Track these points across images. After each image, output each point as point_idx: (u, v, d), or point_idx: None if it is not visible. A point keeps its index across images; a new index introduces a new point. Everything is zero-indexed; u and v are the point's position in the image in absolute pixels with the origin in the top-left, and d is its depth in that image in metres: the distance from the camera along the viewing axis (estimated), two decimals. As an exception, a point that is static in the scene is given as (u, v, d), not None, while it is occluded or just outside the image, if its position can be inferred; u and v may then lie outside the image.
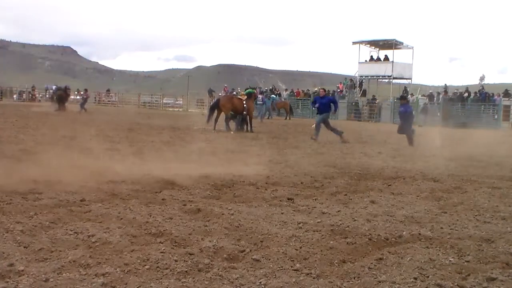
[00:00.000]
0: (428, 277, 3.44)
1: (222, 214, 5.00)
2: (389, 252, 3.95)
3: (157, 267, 3.45)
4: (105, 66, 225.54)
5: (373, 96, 36.76)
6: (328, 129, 15.34)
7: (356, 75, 38.85)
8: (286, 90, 43.45)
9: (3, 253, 3.54)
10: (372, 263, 3.68)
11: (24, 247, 3.72)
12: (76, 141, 11.29)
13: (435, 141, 15.58)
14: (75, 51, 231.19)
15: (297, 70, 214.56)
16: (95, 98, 47.08)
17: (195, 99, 47.16)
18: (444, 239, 4.38)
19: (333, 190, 6.70)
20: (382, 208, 5.66)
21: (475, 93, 32.21)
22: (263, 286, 3.22)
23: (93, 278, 3.18)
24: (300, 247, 4.04)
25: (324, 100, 15.86)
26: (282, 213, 5.22)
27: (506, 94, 31.53)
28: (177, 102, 48.26)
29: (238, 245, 4.04)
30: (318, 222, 4.88)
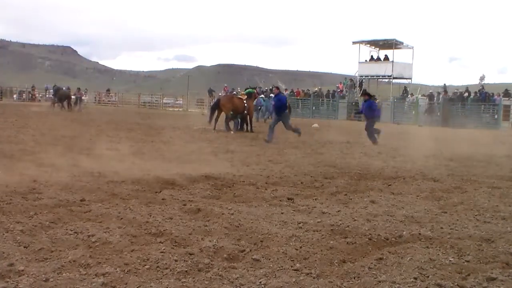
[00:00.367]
0: (428, 277, 3.44)
1: (222, 214, 5.00)
2: (389, 252, 3.96)
3: (157, 267, 3.45)
4: (105, 66, 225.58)
5: (373, 96, 36.71)
6: (287, 129, 14.63)
7: (356, 75, 38.86)
8: (286, 90, 43.42)
9: (3, 253, 3.54)
10: (372, 263, 3.68)
11: (24, 247, 3.72)
12: (76, 141, 11.30)
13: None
14: (75, 51, 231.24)
15: (297, 70, 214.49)
16: (95, 98, 47.09)
17: (195, 99, 47.18)
18: (444, 239, 4.38)
19: (333, 190, 6.70)
20: (382, 208, 5.66)
21: (475, 93, 32.19)
22: (263, 286, 3.22)
23: (93, 278, 3.18)
24: (300, 247, 4.04)
25: (276, 99, 15.13)
26: (282, 213, 5.22)
27: (506, 94, 31.51)
28: (177, 102, 48.27)
29: (238, 245, 4.04)
30: (318, 222, 4.88)
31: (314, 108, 37.06)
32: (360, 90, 37.70)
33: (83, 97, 32.24)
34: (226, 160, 9.42)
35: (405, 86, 37.93)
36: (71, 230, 4.18)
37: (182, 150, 10.60)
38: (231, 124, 17.73)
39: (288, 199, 5.99)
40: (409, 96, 34.77)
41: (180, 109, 42.76)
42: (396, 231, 4.61)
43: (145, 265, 3.45)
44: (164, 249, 3.79)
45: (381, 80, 40.81)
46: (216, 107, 17.98)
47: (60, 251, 3.69)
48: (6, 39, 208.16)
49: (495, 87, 43.47)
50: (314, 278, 3.38)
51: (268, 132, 14.11)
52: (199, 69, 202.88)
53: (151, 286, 3.14)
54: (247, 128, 17.91)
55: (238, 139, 14.37)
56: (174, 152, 10.19)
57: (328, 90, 40.79)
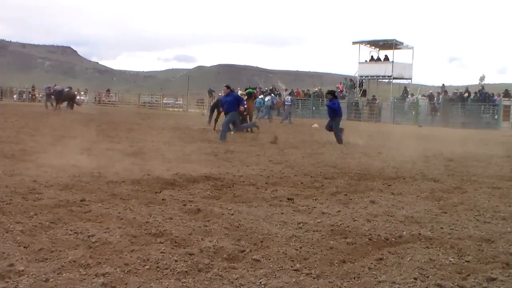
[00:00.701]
0: (428, 277, 3.44)
1: (222, 214, 5.00)
2: (389, 252, 3.96)
3: (157, 267, 3.45)
4: (105, 66, 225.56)
5: (373, 96, 36.77)
6: (237, 130, 14.25)
7: (356, 75, 38.86)
8: (286, 90, 43.43)
9: (3, 253, 3.53)
10: (372, 263, 3.68)
11: (24, 247, 3.72)
12: (76, 141, 11.30)
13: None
14: (75, 51, 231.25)
15: (297, 70, 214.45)
16: (95, 98, 47.10)
17: (195, 99, 47.20)
18: (444, 239, 4.39)
19: (333, 190, 6.70)
20: (382, 208, 5.66)
21: (475, 93, 32.20)
22: (263, 286, 3.22)
23: (93, 278, 3.18)
24: (300, 247, 4.04)
25: (228, 98, 14.72)
26: (282, 213, 5.22)
27: (506, 94, 31.52)
28: (177, 102, 48.29)
29: (238, 245, 4.04)
30: (318, 222, 4.88)
31: (314, 108, 37.07)
32: (360, 91, 37.81)
33: (79, 97, 31.80)
34: (226, 160, 9.42)
35: (405, 86, 37.94)
36: (71, 230, 4.18)
37: (182, 150, 10.60)
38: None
39: (288, 199, 5.99)
40: (409, 96, 34.77)
41: (180, 109, 42.78)
42: (396, 231, 4.61)
43: (145, 265, 3.45)
44: (164, 249, 3.79)
45: (381, 80, 40.79)
46: (216, 107, 17.98)
47: (60, 251, 3.69)
48: (6, 39, 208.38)
49: (495, 87, 43.52)
50: (314, 278, 3.38)
51: (223, 131, 13.77)
52: (199, 69, 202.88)
53: (151, 286, 3.14)
54: (247, 128, 17.90)
55: (238, 139, 14.37)
56: (174, 152, 10.19)
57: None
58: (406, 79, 38.24)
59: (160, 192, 6.10)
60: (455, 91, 34.04)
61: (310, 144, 13.69)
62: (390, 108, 33.83)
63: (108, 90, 54.93)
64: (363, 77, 38.41)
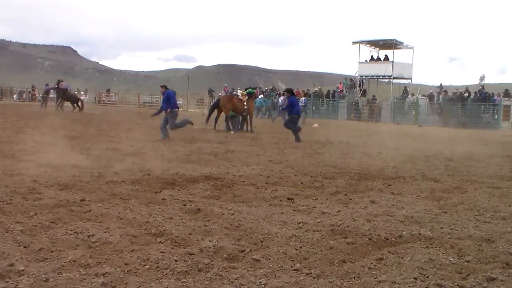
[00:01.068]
0: (428, 277, 3.44)
1: (222, 214, 5.00)
2: (389, 252, 3.96)
3: (157, 267, 3.45)
4: (105, 66, 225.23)
5: (373, 96, 36.76)
6: (170, 128, 13.57)
7: (356, 75, 38.84)
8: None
9: (3, 253, 3.54)
10: (372, 263, 3.68)
11: (24, 247, 3.72)
12: (76, 141, 11.30)
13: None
14: (75, 51, 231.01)
15: (297, 70, 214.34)
16: (95, 98, 47.09)
17: (195, 99, 47.18)
18: (444, 239, 4.39)
19: (333, 190, 6.70)
20: (382, 208, 5.66)
21: (475, 93, 32.18)
22: (263, 286, 3.22)
23: (93, 278, 3.18)
24: (300, 247, 4.04)
25: (165, 98, 14.09)
26: (282, 213, 5.22)
27: (506, 94, 31.51)
28: (177, 102, 48.23)
29: (238, 245, 4.04)
30: (318, 222, 4.88)
31: (314, 108, 37.04)
32: (361, 90, 37.80)
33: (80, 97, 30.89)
34: (226, 160, 9.42)
35: (405, 86, 37.92)
36: (71, 230, 4.18)
37: (182, 150, 10.60)
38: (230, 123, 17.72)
39: (288, 199, 5.99)
40: (409, 96, 34.76)
41: (180, 109, 42.74)
42: (396, 231, 4.61)
43: (145, 265, 3.46)
44: (164, 249, 3.79)
45: (381, 80, 40.78)
46: (216, 107, 17.99)
47: (60, 251, 3.69)
48: (6, 39, 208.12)
49: (495, 87, 43.49)
50: (314, 278, 3.38)
51: (162, 130, 13.36)
52: (199, 69, 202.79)
53: (151, 286, 3.14)
54: (247, 128, 17.91)
55: (238, 139, 14.37)
56: (174, 152, 10.19)
57: (328, 90, 40.78)
58: (406, 79, 38.22)
59: (160, 192, 6.10)
60: (455, 91, 34.02)
61: (310, 144, 13.68)
62: (390, 108, 33.80)
63: (108, 90, 54.90)
64: (363, 77, 38.39)
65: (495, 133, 23.91)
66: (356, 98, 37.15)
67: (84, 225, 4.33)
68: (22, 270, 3.24)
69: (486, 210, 5.75)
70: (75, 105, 26.99)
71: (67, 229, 4.21)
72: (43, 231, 4.16)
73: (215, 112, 18.03)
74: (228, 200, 5.82)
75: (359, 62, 38.36)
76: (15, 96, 45.99)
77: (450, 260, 3.80)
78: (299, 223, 4.80)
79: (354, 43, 38.74)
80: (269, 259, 3.70)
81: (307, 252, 3.91)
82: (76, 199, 5.39)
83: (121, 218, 4.67)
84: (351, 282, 3.34)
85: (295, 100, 15.77)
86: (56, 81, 28.41)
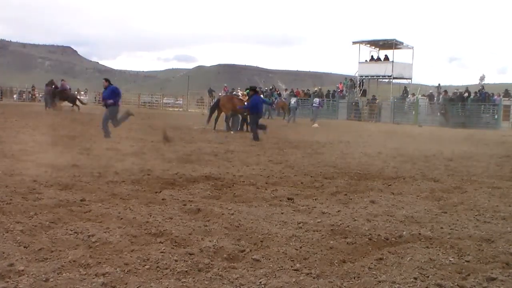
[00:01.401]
0: (428, 277, 3.44)
1: (222, 214, 5.00)
2: (389, 252, 3.96)
3: (157, 267, 3.45)
4: (105, 66, 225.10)
5: (373, 96, 36.77)
6: (114, 126, 13.09)
7: (356, 75, 38.84)
8: (286, 90, 43.43)
9: (3, 253, 3.54)
10: (372, 263, 3.68)
11: (24, 247, 3.72)
12: (76, 141, 11.30)
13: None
14: (75, 51, 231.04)
15: (297, 70, 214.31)
16: (95, 98, 47.07)
17: (195, 99, 47.19)
18: (444, 239, 4.39)
19: (333, 190, 6.70)
20: (382, 208, 5.66)
21: (475, 93, 32.19)
22: (263, 286, 3.22)
23: (93, 278, 3.18)
24: (300, 247, 4.04)
25: (106, 92, 13.42)
26: (282, 213, 5.22)
27: (506, 94, 31.52)
28: (177, 102, 48.23)
29: (238, 245, 4.04)
30: (318, 222, 4.88)
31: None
32: (361, 90, 37.80)
33: (79, 97, 30.63)
34: (226, 160, 9.42)
35: (405, 86, 37.93)
36: (71, 230, 4.18)
37: (182, 150, 10.60)
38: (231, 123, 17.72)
39: (288, 199, 5.99)
40: (409, 96, 34.76)
41: (180, 109, 42.77)
42: (396, 231, 4.61)
43: (145, 265, 3.46)
44: (164, 249, 3.79)
45: (381, 80, 40.78)
46: (216, 107, 17.99)
47: (60, 251, 3.69)
48: (6, 39, 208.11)
49: (495, 87, 43.50)
50: (314, 278, 3.38)
51: (104, 128, 12.89)
52: (199, 69, 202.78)
53: (151, 286, 3.14)
54: (247, 128, 17.91)
55: (238, 139, 14.37)
56: (174, 152, 10.19)
57: (328, 90, 40.81)
58: (406, 79, 38.22)
59: (160, 192, 6.10)
60: (455, 91, 34.02)
61: (310, 144, 13.68)
62: (390, 108, 33.81)
63: (108, 90, 54.82)
64: (363, 77, 38.39)
65: (495, 133, 23.90)
66: (356, 98, 37.16)
67: (84, 225, 4.33)
68: (22, 270, 3.24)
69: (486, 210, 5.75)
70: (74, 104, 26.93)
71: (67, 229, 4.21)
72: (43, 231, 4.16)
73: (215, 112, 18.02)
74: (228, 200, 5.82)
75: (359, 62, 38.36)
76: (15, 96, 45.97)
77: (450, 260, 3.80)
78: (299, 223, 4.80)
79: (354, 43, 38.75)
80: (269, 259, 3.70)
81: (307, 252, 3.91)
82: (76, 199, 5.39)
83: (121, 218, 4.67)
84: (351, 282, 3.34)
85: (259, 99, 15.54)
86: (50, 81, 28.36)
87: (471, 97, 31.71)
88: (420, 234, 4.54)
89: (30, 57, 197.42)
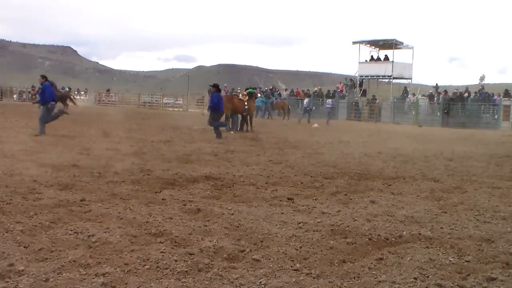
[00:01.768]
0: (428, 277, 3.44)
1: (222, 214, 5.00)
2: (389, 252, 3.96)
3: (157, 267, 3.45)
4: (105, 66, 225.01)
5: (373, 96, 36.76)
6: (44, 121, 12.75)
7: (356, 75, 38.84)
8: (286, 90, 43.43)
9: (3, 253, 3.54)
10: (372, 263, 3.68)
11: (24, 247, 3.72)
12: (76, 141, 11.30)
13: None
14: (75, 51, 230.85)
15: (297, 70, 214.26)
16: (95, 98, 47.08)
17: (195, 99, 47.16)
18: (444, 239, 4.39)
19: (333, 190, 6.70)
20: (382, 208, 5.66)
21: (475, 93, 32.19)
22: (263, 286, 3.22)
23: (93, 278, 3.18)
24: (300, 247, 4.04)
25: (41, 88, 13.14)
26: (282, 213, 5.22)
27: (506, 94, 31.51)
28: (177, 102, 48.21)
29: (238, 245, 4.04)
30: (318, 222, 4.88)
31: (314, 108, 37.02)
32: (361, 90, 37.79)
33: (72, 96, 30.42)
34: (226, 160, 9.42)
35: (405, 86, 37.92)
36: (71, 230, 4.18)
37: (182, 150, 10.60)
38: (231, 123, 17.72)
39: (288, 199, 5.99)
40: (409, 96, 34.76)
41: (180, 109, 42.75)
42: (396, 231, 4.61)
43: (145, 265, 3.46)
44: (164, 249, 3.79)
45: (381, 80, 40.78)
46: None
47: (60, 251, 3.69)
48: (6, 39, 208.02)
49: (495, 87, 43.48)
50: (314, 278, 3.38)
51: (40, 126, 12.73)
52: (199, 69, 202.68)
53: (151, 286, 3.14)
54: (247, 128, 17.91)
55: (238, 139, 14.37)
56: (174, 152, 10.19)
57: (328, 90, 40.77)
58: (406, 79, 38.21)
59: (160, 192, 6.10)
60: (455, 91, 34.02)
61: (310, 144, 13.68)
62: (390, 108, 33.80)
63: (108, 90, 54.86)
64: (363, 77, 38.38)
65: (495, 133, 23.90)
66: (356, 98, 37.14)
67: (84, 225, 4.33)
68: (22, 270, 3.24)
69: (486, 210, 5.75)
70: (65, 104, 26.97)
71: (67, 229, 4.21)
72: (43, 231, 4.16)
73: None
74: (228, 200, 5.82)
75: (359, 62, 38.35)
76: (15, 96, 45.93)
77: (450, 260, 3.80)
78: (299, 223, 4.80)
79: (354, 43, 38.73)
80: (269, 259, 3.70)
81: (307, 252, 3.91)
82: (76, 199, 5.39)
83: (121, 218, 4.67)
84: (351, 282, 3.34)
85: (220, 97, 15.37)
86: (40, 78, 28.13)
87: (471, 97, 31.72)
88: (420, 234, 4.54)
89: (30, 57, 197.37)
